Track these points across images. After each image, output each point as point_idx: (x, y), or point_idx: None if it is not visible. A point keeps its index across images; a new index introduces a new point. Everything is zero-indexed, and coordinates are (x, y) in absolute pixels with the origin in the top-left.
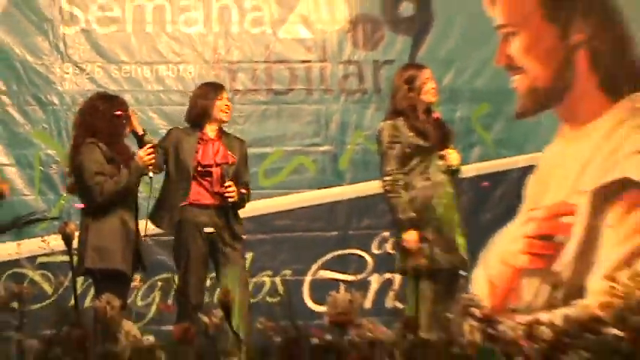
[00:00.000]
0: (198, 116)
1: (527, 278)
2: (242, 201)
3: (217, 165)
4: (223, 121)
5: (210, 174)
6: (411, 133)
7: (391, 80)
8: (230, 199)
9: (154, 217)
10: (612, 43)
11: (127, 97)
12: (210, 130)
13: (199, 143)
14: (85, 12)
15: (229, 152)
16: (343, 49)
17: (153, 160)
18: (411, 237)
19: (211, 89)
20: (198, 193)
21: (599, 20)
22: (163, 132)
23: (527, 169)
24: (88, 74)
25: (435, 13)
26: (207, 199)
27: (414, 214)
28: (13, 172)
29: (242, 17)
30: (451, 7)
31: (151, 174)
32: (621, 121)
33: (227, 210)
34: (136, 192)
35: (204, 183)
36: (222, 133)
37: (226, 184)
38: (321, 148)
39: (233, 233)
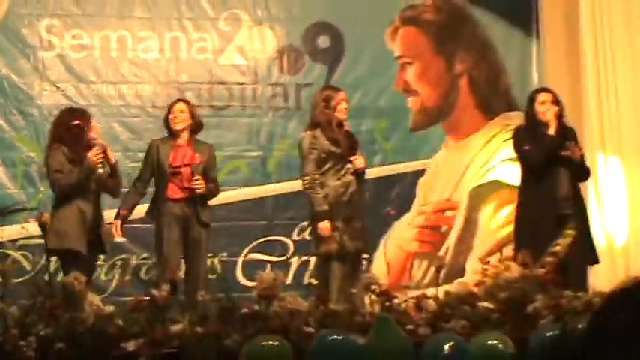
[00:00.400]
0: (167, 128)
1: (418, 260)
2: (210, 193)
3: (185, 165)
4: (179, 130)
5: (180, 173)
6: (327, 142)
7: (311, 99)
8: (198, 191)
9: (150, 211)
10: (488, 73)
11: (94, 111)
12: (181, 138)
13: (172, 149)
14: (60, 40)
15: (197, 154)
16: (271, 74)
17: (101, 160)
18: (324, 226)
19: (169, 107)
20: (172, 190)
21: (478, 54)
22: (124, 139)
23: (419, 173)
24: (62, 91)
25: (346, 46)
26: (178, 194)
27: (328, 207)
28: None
29: (189, 46)
30: (359, 41)
31: (100, 171)
32: (494, 135)
33: (195, 201)
34: (92, 186)
35: (176, 181)
36: (192, 140)
37: (194, 178)
38: (253, 154)
39: (200, 221)
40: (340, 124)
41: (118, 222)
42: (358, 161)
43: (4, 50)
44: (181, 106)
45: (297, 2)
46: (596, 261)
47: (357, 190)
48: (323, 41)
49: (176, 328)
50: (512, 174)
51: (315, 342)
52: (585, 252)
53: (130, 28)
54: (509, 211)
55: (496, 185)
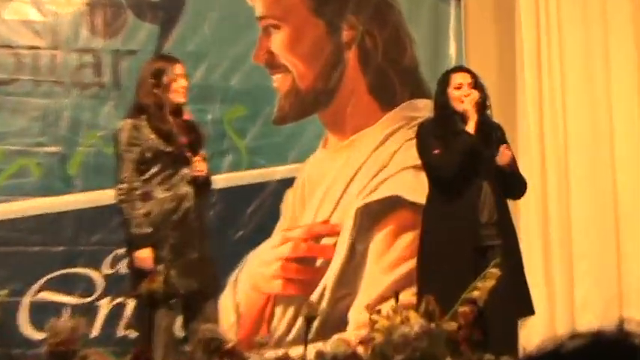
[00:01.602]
0: None
1: (281, 307)
2: None
3: None
4: None
5: None
6: (153, 135)
7: (136, 73)
8: None
9: None
10: (387, 43)
11: None
12: None
13: None
14: None
15: None
16: (78, 35)
17: None
18: (144, 255)
19: None
20: None
21: (374, 16)
22: None
23: (286, 182)
24: None
25: None
26: None
27: (150, 230)
28: None
29: None
30: None
31: None
32: (393, 131)
33: None
34: None
35: None
36: None
37: None
38: (48, 149)
39: None
40: (177, 111)
41: None
42: (198, 164)
43: None
44: None
45: None
46: (530, 312)
47: (196, 206)
48: None
49: None
50: (418, 187)
51: None
52: (515, 299)
53: None
54: (411, 238)
55: (394, 202)
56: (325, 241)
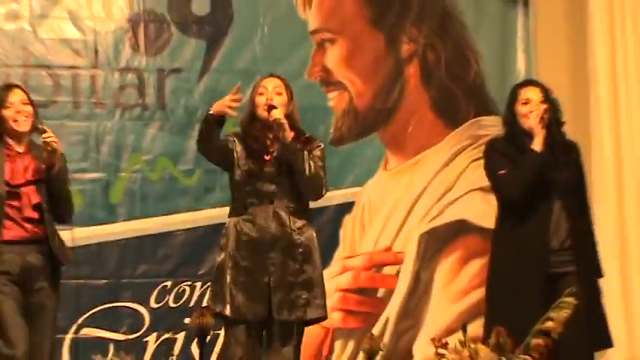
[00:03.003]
0: None
1: (340, 340)
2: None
3: (29, 183)
4: (23, 132)
5: (20, 196)
6: None
7: (181, 92)
8: None
9: None
10: (450, 57)
11: None
12: (21, 144)
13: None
14: None
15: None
16: (120, 54)
17: None
18: None
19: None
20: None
21: (436, 28)
22: None
23: (345, 207)
24: None
25: (235, 13)
26: (17, 232)
27: None
28: None
29: None
30: (255, 6)
31: None
32: (458, 152)
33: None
34: None
35: (13, 210)
36: (32, 146)
37: None
38: (90, 176)
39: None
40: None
41: None
42: None
43: None
44: (22, 95)
45: None
46: (609, 344)
47: None
48: (200, 5)
49: None
50: (486, 210)
51: None
52: (592, 330)
53: None
54: (479, 266)
55: (461, 227)
56: (387, 270)
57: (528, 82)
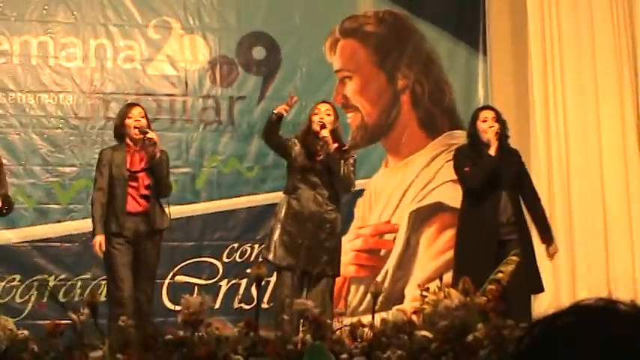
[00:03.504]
0: (118, 135)
1: (355, 286)
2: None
3: (142, 171)
4: (135, 137)
5: (137, 179)
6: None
7: (245, 113)
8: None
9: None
10: (432, 89)
11: (13, 121)
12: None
13: (127, 154)
14: None
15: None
16: (203, 86)
17: None
18: None
19: (123, 109)
20: (130, 202)
21: (422, 69)
22: (44, 152)
23: (358, 193)
24: None
25: (282, 58)
26: (136, 207)
27: None
28: None
29: (116, 54)
30: (297, 53)
31: None
32: (436, 155)
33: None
34: None
35: (132, 190)
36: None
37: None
38: (182, 170)
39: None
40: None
41: (100, 238)
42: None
43: None
44: (140, 110)
45: (232, 11)
46: (540, 289)
47: None
48: (258, 52)
49: (95, 355)
50: (455, 196)
51: None
52: (529, 279)
53: (52, 33)
54: (450, 234)
55: (438, 207)
56: (387, 236)
57: (485, 107)
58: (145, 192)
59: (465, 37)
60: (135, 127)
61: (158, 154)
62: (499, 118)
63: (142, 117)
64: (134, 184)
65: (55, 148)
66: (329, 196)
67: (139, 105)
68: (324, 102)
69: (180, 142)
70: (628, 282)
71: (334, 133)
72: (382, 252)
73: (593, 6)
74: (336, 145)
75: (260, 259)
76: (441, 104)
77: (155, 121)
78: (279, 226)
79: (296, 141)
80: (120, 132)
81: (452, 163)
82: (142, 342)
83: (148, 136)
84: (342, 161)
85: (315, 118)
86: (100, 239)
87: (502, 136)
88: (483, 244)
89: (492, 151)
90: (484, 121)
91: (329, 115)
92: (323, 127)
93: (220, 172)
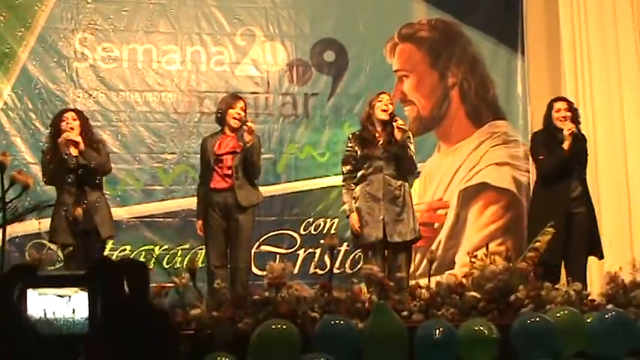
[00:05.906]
0: (220, 122)
1: (413, 254)
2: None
3: (227, 153)
4: (233, 126)
5: (222, 161)
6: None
7: (318, 108)
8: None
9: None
10: (477, 85)
11: (123, 116)
12: (231, 132)
13: (218, 139)
14: (92, 52)
15: (240, 144)
16: (282, 84)
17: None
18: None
19: (228, 99)
20: (216, 180)
21: (468, 68)
22: (149, 142)
23: (416, 175)
24: (93, 98)
25: (349, 60)
26: (221, 184)
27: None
28: (36, 169)
29: (208, 59)
30: (361, 56)
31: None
32: (482, 141)
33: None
34: (67, 177)
35: (218, 169)
36: (237, 134)
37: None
38: (265, 156)
39: (240, 207)
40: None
41: (199, 222)
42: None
43: (42, 61)
44: (242, 104)
45: (306, 21)
46: (601, 254)
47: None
48: (329, 55)
49: (195, 312)
50: (498, 177)
51: (319, 326)
52: (592, 245)
53: (155, 41)
54: (493, 210)
55: (483, 187)
56: (440, 212)
57: (559, 98)
58: (228, 172)
59: (505, 40)
60: (233, 118)
61: (250, 142)
62: (571, 108)
63: (242, 110)
64: (220, 164)
65: (158, 139)
66: (396, 175)
67: (242, 99)
68: (383, 93)
69: (263, 133)
70: None
71: (397, 121)
72: (436, 225)
73: (617, 11)
74: (402, 133)
75: (332, 232)
76: (485, 98)
77: None
78: (362, 206)
79: (351, 137)
80: (222, 117)
81: (495, 148)
82: (234, 301)
83: (248, 124)
84: (407, 144)
85: (380, 105)
86: (199, 223)
87: (575, 134)
88: (554, 217)
89: (565, 146)
90: (557, 111)
91: (391, 104)
92: (392, 116)
93: (297, 157)
